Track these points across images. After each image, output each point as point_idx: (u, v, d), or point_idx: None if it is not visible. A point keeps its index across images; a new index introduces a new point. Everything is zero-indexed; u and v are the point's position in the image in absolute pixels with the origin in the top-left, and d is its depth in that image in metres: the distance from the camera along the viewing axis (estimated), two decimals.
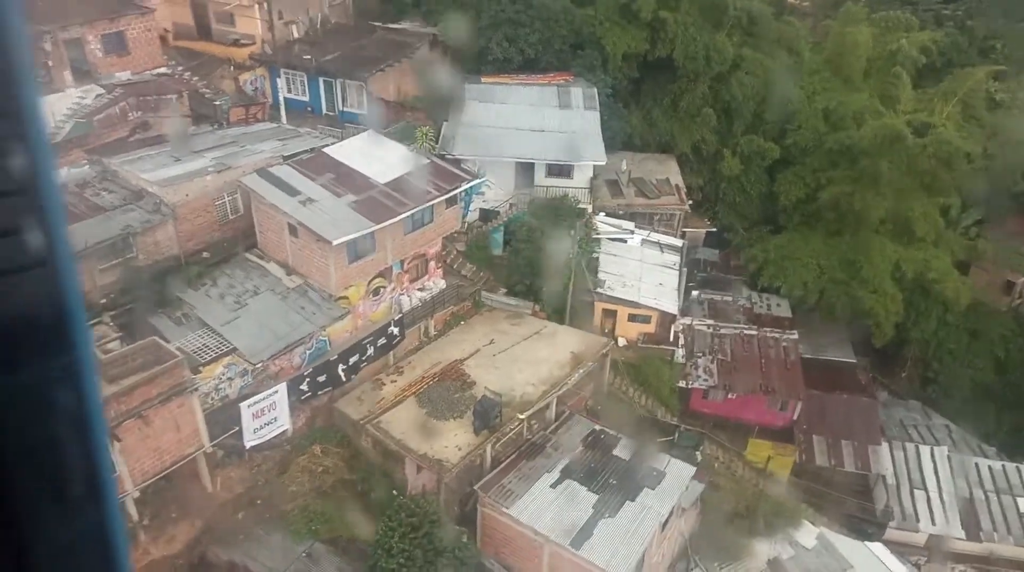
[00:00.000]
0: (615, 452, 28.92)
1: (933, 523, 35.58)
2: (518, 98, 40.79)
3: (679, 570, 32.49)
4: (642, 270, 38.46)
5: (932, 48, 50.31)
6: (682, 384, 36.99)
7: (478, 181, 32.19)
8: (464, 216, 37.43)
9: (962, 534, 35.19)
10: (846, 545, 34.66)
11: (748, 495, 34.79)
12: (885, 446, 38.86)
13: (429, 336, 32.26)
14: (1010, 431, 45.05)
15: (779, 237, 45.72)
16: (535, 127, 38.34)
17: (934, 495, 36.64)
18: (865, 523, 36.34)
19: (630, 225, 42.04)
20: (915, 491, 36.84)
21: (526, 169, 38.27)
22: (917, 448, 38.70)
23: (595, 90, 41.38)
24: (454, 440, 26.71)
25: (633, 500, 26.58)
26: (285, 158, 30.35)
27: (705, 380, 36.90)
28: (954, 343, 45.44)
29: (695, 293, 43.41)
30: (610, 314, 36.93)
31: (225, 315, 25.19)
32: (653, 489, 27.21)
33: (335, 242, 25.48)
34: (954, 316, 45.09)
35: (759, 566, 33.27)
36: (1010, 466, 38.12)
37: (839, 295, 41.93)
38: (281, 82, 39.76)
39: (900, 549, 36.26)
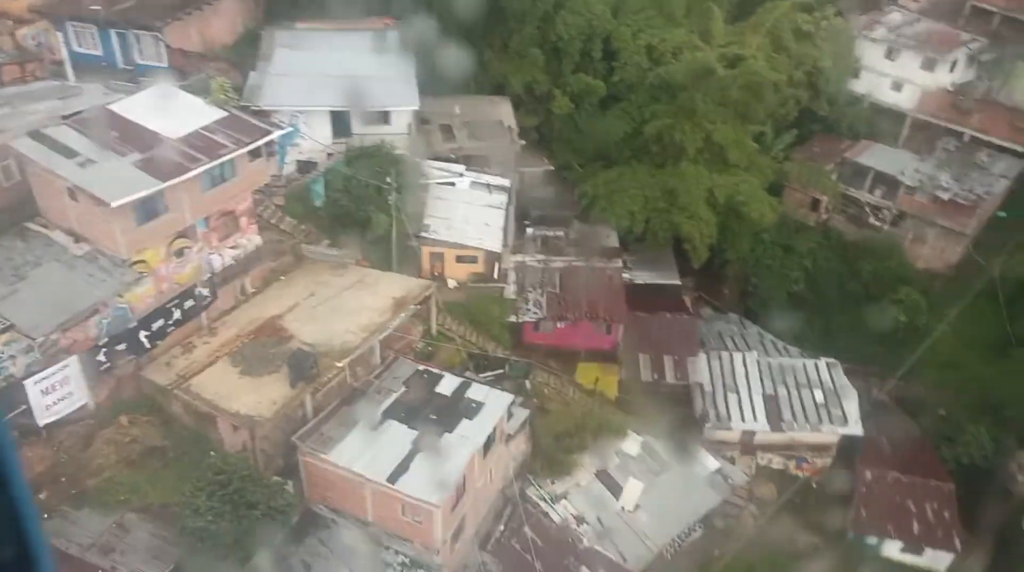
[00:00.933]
0: (437, 389, 30.04)
1: (743, 420, 39.39)
2: (332, 44, 39.79)
3: (515, 489, 34.66)
4: (469, 212, 39.25)
5: None
6: (513, 319, 38.51)
7: (280, 132, 31.46)
8: (281, 169, 36.73)
9: (767, 427, 39.21)
10: (668, 449, 37.95)
11: (577, 415, 37.14)
12: (703, 357, 42.32)
13: (246, 294, 31.85)
14: (819, 333, 49.91)
15: (609, 172, 47.54)
16: (348, 74, 37.62)
17: (744, 396, 40.45)
18: (686, 428, 39.69)
19: (460, 168, 42.54)
20: (728, 394, 40.52)
21: (342, 117, 37.71)
22: (731, 356, 42.36)
23: (412, 34, 40.90)
24: (269, 395, 26.90)
25: (451, 432, 27.88)
26: (64, 118, 28.52)
27: (535, 313, 38.60)
28: (770, 259, 49.29)
29: (529, 230, 44.87)
30: (438, 257, 37.66)
31: (0, 290, 23.87)
32: (471, 420, 28.59)
33: (114, 203, 24.46)
34: (769, 234, 48.89)
35: (588, 477, 35.97)
36: (809, 363, 42.50)
37: (661, 223, 44.54)
38: (68, 35, 36.82)
39: (717, 447, 40.15)
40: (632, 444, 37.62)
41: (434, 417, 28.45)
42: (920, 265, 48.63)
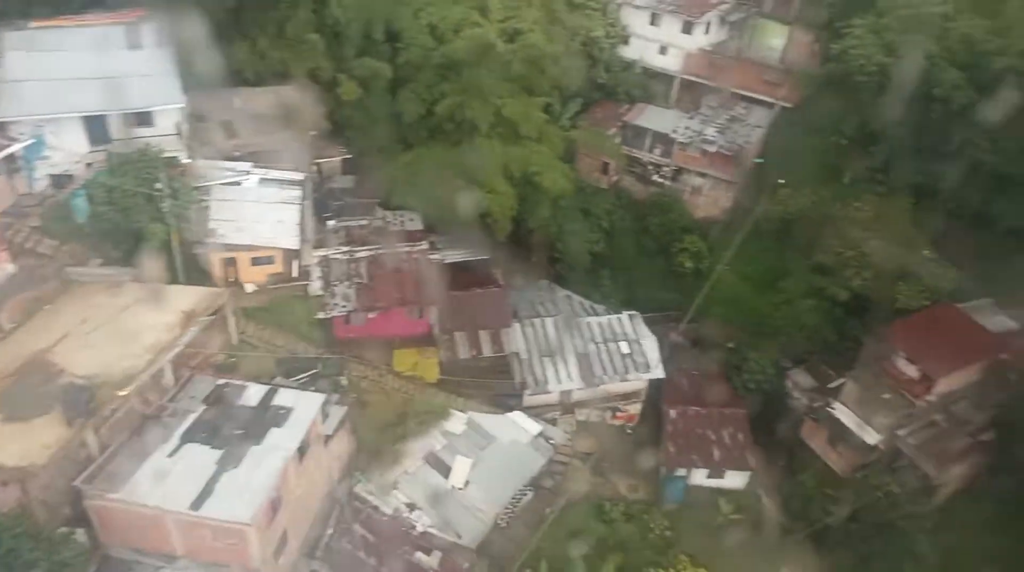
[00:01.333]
0: (241, 402, 28.69)
1: (560, 382, 41.37)
2: (76, 43, 35.85)
3: (342, 489, 34.14)
4: (260, 210, 37.42)
5: None
6: (322, 315, 37.51)
7: (19, 146, 28.10)
8: (31, 186, 32.88)
9: (582, 384, 41.48)
10: (491, 421, 39.06)
11: (399, 403, 37.17)
12: (517, 327, 43.81)
13: (3, 330, 28.36)
14: (622, 287, 53.35)
15: (407, 155, 47.24)
16: (98, 74, 34.21)
17: (558, 358, 42.45)
18: (507, 398, 41.04)
19: (246, 166, 40.37)
20: (543, 359, 42.32)
21: (98, 123, 34.27)
22: (543, 322, 44.19)
23: (170, 25, 37.81)
24: (42, 439, 24.28)
25: (259, 444, 26.80)
26: None
27: (344, 306, 37.82)
28: (571, 224, 51.58)
29: (331, 223, 43.68)
30: (231, 262, 35.69)
31: None
32: (280, 427, 27.65)
33: None
34: (568, 200, 51.09)
35: (416, 463, 36.20)
36: (614, 318, 45.33)
37: (462, 201, 45.10)
38: None
39: (538, 411, 41.95)
40: (457, 423, 38.29)
41: (239, 431, 27.19)
42: (700, 214, 53.28)
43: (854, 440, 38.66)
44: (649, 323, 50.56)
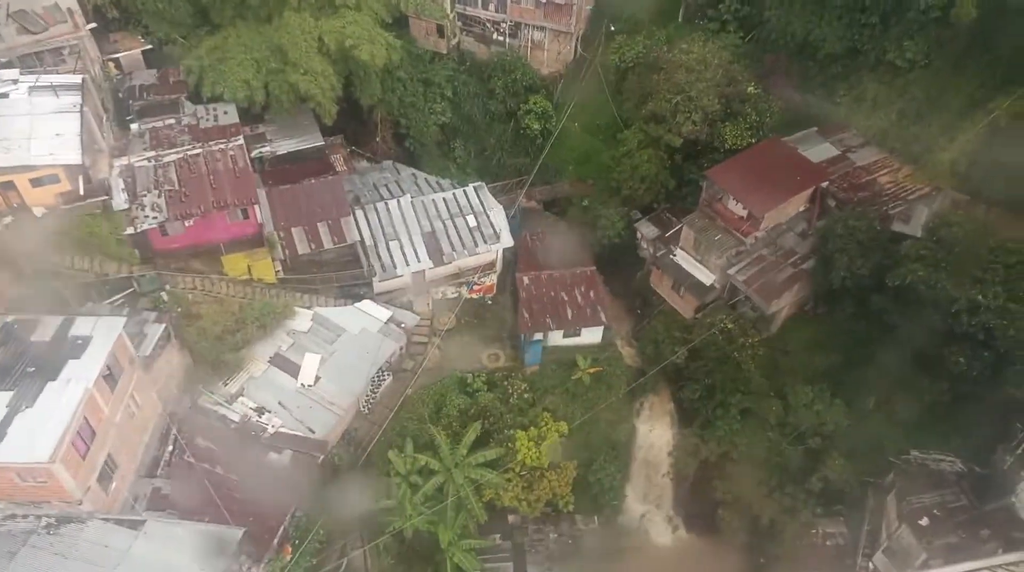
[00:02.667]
0: (33, 338, 26.68)
1: (407, 264, 40.62)
2: None
3: (186, 403, 33.28)
4: (33, 124, 33.32)
5: None
6: (132, 230, 34.78)
7: None
8: None
9: (431, 263, 40.89)
10: (339, 314, 38.35)
11: (235, 310, 35.76)
12: (360, 213, 42.23)
13: None
14: (476, 157, 51.98)
15: (213, 39, 42.67)
16: None
17: (405, 240, 41.45)
18: (357, 287, 40.17)
19: (11, 74, 35.59)
20: (390, 243, 41.24)
21: None
22: (387, 205, 42.69)
23: None
24: None
25: (55, 379, 25.22)
26: None
27: (155, 217, 35.10)
28: (412, 96, 48.91)
29: (134, 126, 39.75)
30: (8, 186, 32.06)
31: None
32: (79, 358, 26.01)
33: None
34: (405, 71, 48.09)
35: (262, 367, 35.47)
36: (459, 192, 44.23)
37: (280, 85, 41.68)
38: None
39: (393, 296, 41.43)
40: (303, 320, 37.40)
41: (32, 369, 25.43)
42: (545, 71, 51.38)
43: (693, 282, 40.09)
44: (505, 190, 50.21)
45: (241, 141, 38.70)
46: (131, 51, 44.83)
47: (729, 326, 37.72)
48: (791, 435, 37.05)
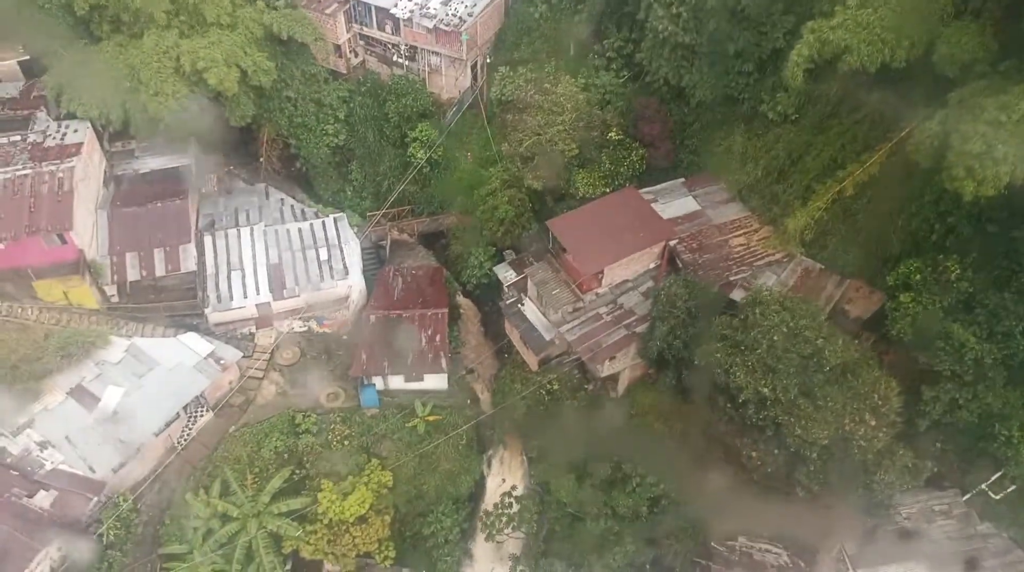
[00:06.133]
0: None
1: (245, 296, 39.36)
2: None
3: None
4: None
5: None
6: None
7: None
8: None
9: (270, 297, 39.57)
10: (157, 346, 37.23)
11: (38, 337, 34.99)
12: (210, 240, 41.15)
13: None
14: (369, 181, 50.31)
15: (75, 55, 42.03)
16: None
17: (249, 271, 40.21)
18: (190, 317, 39.10)
19: None
20: (232, 273, 40.06)
21: None
22: (238, 233, 41.50)
23: None
24: None
25: None
26: None
27: None
28: (302, 117, 47.67)
29: None
30: None
31: None
32: None
33: None
34: (296, 91, 46.84)
35: (59, 398, 34.58)
36: (318, 223, 42.81)
37: (134, 105, 40.83)
38: None
39: (233, 326, 40.21)
40: (115, 351, 36.42)
41: None
42: (444, 97, 49.45)
43: (537, 335, 37.90)
44: (392, 219, 48.64)
45: (73, 164, 37.78)
46: (5, 60, 44.46)
47: (554, 387, 35.46)
48: (627, 503, 34.70)
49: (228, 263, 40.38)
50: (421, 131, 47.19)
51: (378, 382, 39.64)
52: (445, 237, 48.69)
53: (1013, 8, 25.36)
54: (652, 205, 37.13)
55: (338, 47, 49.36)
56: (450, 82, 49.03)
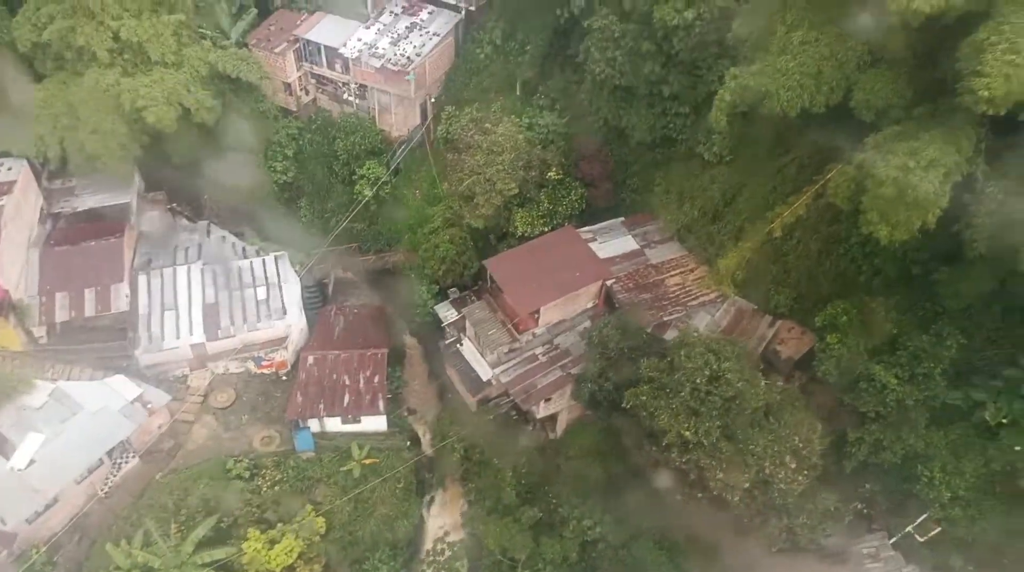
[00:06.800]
0: None
1: (178, 337, 38.48)
2: None
3: None
4: None
5: None
6: None
7: None
8: None
9: (203, 338, 38.73)
10: (82, 389, 36.11)
11: None
12: (145, 279, 40.36)
13: None
14: (317, 218, 49.85)
15: (18, 91, 41.55)
16: None
17: (183, 311, 39.40)
18: (121, 358, 38.11)
19: None
20: (166, 313, 39.22)
21: None
22: (174, 272, 40.76)
23: None
24: None
25: None
26: None
27: None
28: (246, 154, 47.35)
29: None
30: None
31: None
32: None
33: None
34: (247, 126, 46.63)
35: None
36: (257, 261, 42.20)
37: (72, 143, 40.41)
38: None
39: (166, 368, 39.24)
40: (38, 395, 35.28)
41: None
42: (395, 134, 49.46)
43: (474, 376, 37.34)
44: (340, 256, 48.17)
45: (3, 202, 37.13)
46: None
47: (492, 428, 34.79)
48: (555, 549, 33.86)
49: (162, 303, 39.57)
50: (368, 169, 47.06)
51: (314, 425, 38.71)
52: (393, 274, 48.25)
53: (926, 57, 25.72)
54: (591, 244, 37.06)
55: (288, 85, 49.39)
56: (399, 120, 49.10)
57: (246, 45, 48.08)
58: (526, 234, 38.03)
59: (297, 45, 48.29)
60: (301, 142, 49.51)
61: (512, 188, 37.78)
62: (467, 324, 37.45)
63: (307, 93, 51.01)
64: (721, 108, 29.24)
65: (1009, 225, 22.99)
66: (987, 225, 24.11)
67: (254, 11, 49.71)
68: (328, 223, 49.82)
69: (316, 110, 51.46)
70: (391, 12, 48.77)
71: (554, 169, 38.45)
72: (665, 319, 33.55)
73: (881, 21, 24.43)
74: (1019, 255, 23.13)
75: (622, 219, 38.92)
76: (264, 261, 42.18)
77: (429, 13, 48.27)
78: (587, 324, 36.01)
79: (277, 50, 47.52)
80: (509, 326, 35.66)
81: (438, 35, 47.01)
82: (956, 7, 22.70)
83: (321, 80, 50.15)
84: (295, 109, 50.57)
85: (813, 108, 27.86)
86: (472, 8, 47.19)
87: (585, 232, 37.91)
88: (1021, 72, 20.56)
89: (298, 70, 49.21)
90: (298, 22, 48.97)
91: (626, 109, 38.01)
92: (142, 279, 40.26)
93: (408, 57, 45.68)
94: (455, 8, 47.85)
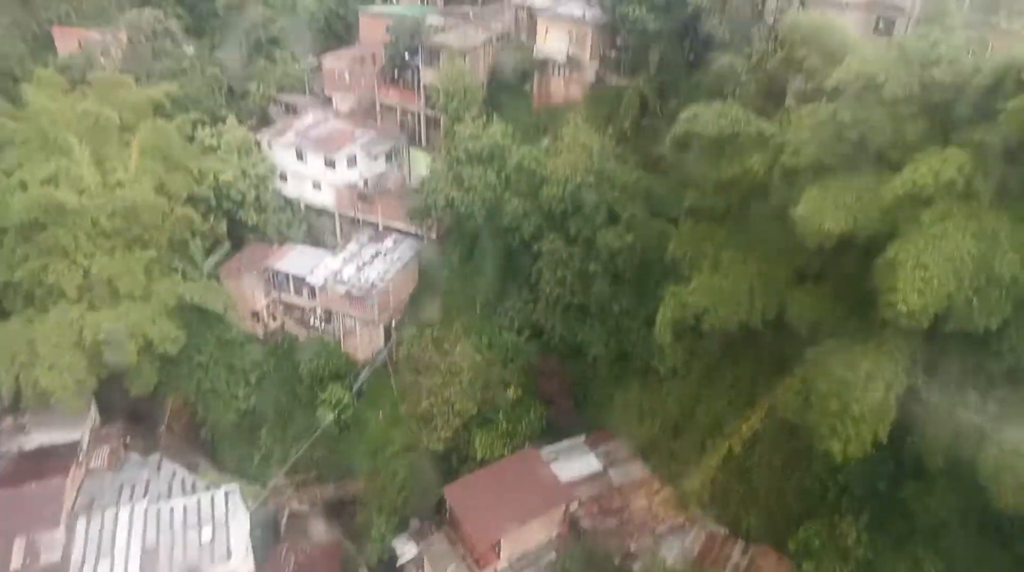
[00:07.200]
0: None
1: None
2: None
3: None
4: None
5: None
6: None
7: None
8: None
9: None
10: None
11: None
12: (84, 523, 37.89)
13: None
14: (279, 445, 48.27)
15: None
16: None
17: (119, 558, 36.44)
18: None
19: None
20: (101, 559, 36.28)
21: None
22: (116, 514, 38.35)
23: None
24: None
25: None
26: None
27: None
28: (211, 382, 47.15)
29: None
30: None
31: None
32: None
33: None
34: (208, 356, 46.80)
35: None
36: (206, 497, 39.76)
37: (27, 379, 40.16)
38: None
39: None
40: None
41: None
42: (360, 357, 49.65)
43: None
44: (297, 486, 46.00)
45: None
46: None
47: None
48: None
49: (99, 549, 36.73)
50: (330, 393, 46.56)
51: None
52: (353, 504, 45.78)
53: (850, 275, 26.61)
54: (552, 465, 35.64)
55: (256, 313, 50.45)
56: (364, 343, 49.61)
57: (217, 277, 49.73)
58: (486, 456, 36.71)
59: (267, 274, 50.03)
60: (266, 368, 49.49)
61: (471, 409, 37.20)
62: (425, 562, 34.74)
63: (275, 319, 51.96)
64: (664, 324, 29.68)
65: (959, 437, 22.28)
66: (940, 437, 23.40)
67: (227, 245, 52.10)
68: (288, 451, 48.29)
69: (283, 335, 52.15)
70: (357, 241, 51.32)
71: (512, 388, 38.10)
72: (632, 549, 31.27)
73: (799, 243, 25.56)
74: (977, 468, 22.18)
75: (584, 437, 37.87)
76: (213, 497, 39.93)
77: (393, 241, 50.82)
78: (552, 556, 33.49)
79: (247, 280, 49.12)
80: (470, 561, 33.08)
81: (401, 261, 49.12)
82: (864, 227, 23.88)
83: (289, 306, 51.38)
84: (262, 336, 51.21)
85: (751, 323, 28.27)
86: (433, 235, 49.83)
87: (548, 452, 36.66)
88: (932, 287, 21.10)
89: (266, 298, 50.55)
90: (268, 254, 51.22)
91: (580, 326, 38.69)
92: (80, 522, 37.71)
93: (372, 283, 47.25)
94: (417, 236, 50.58)
